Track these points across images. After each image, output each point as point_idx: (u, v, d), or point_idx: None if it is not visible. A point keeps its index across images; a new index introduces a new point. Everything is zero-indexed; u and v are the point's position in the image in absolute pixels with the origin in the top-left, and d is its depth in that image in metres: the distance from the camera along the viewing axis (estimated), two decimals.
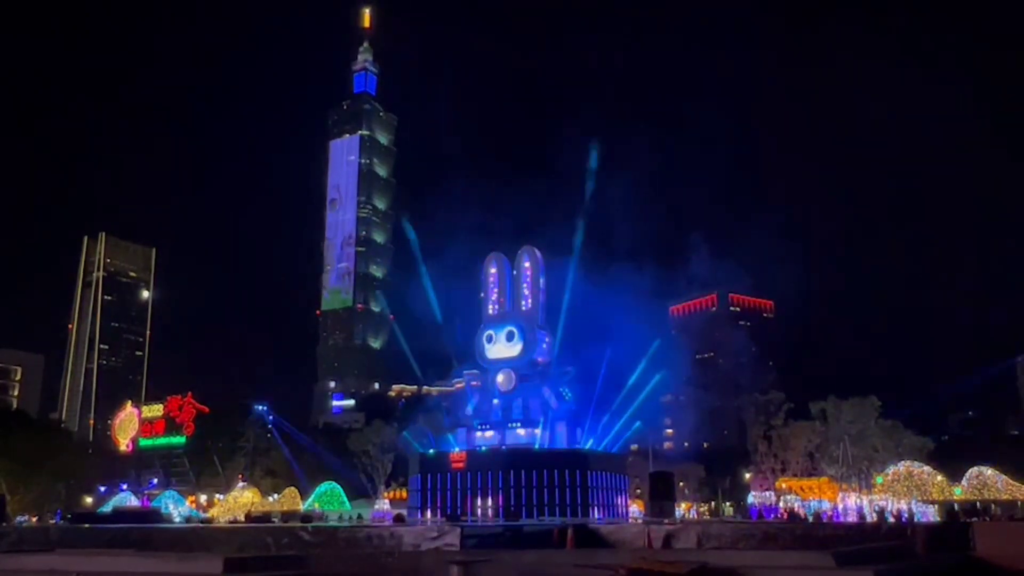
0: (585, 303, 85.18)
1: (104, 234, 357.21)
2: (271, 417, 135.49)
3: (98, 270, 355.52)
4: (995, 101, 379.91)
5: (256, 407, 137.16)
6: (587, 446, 79.15)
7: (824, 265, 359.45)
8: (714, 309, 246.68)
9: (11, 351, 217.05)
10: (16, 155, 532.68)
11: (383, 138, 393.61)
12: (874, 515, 75.76)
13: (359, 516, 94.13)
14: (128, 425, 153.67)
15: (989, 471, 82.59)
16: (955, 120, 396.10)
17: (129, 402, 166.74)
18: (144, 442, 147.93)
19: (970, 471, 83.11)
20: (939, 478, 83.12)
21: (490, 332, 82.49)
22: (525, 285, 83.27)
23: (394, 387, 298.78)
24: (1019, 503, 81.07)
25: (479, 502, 71.93)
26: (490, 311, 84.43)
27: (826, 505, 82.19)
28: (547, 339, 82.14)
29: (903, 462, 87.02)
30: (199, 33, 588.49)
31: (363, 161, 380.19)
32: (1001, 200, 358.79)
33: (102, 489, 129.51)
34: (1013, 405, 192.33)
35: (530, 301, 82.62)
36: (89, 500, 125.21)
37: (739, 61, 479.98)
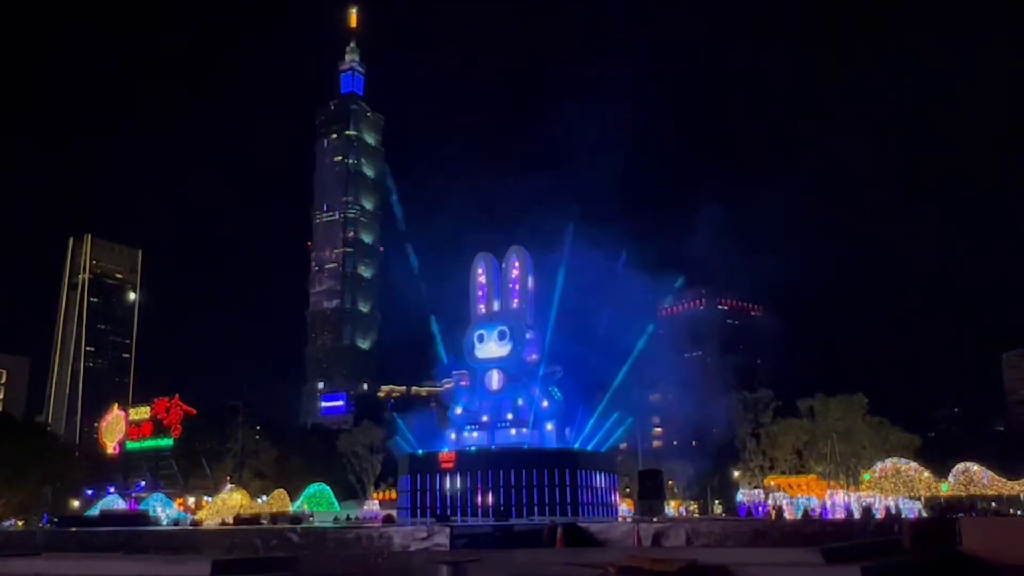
0: (574, 302, 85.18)
1: (90, 235, 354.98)
2: (240, 416, 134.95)
3: (84, 272, 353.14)
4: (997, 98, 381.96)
5: (229, 413, 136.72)
6: (576, 445, 79.22)
7: (811, 264, 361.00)
8: (702, 308, 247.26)
9: None
10: (0, 155, 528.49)
11: (370, 138, 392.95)
12: (861, 511, 76.12)
13: (348, 517, 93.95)
14: (115, 428, 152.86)
15: (975, 467, 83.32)
16: (954, 116, 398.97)
17: (116, 405, 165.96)
18: (131, 444, 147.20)
19: (957, 467, 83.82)
20: (926, 474, 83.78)
21: (479, 332, 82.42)
22: (514, 285, 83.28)
23: (383, 387, 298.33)
24: (1005, 498, 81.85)
25: (469, 502, 71.89)
26: (479, 311, 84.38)
27: (814, 502, 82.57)
28: (536, 339, 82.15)
29: (890, 459, 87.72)
30: (186, 33, 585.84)
31: (350, 161, 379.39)
32: (993, 199, 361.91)
33: (89, 492, 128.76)
34: (998, 401, 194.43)
35: (519, 301, 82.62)
36: (76, 503, 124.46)
37: (733, 60, 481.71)
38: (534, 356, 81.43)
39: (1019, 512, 76.02)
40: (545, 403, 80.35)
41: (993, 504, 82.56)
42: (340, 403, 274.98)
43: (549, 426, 79.96)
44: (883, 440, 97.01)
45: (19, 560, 22.07)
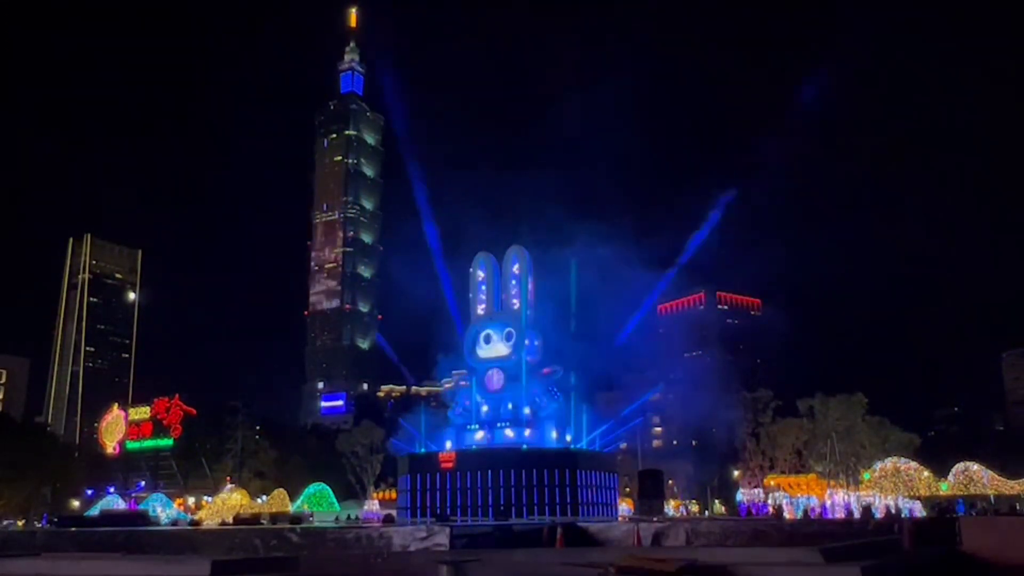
0: (574, 302, 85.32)
1: (89, 236, 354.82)
2: (240, 416, 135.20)
3: (83, 272, 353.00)
4: (993, 93, 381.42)
5: (229, 413, 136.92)
6: (576, 445, 79.23)
7: (810, 263, 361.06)
8: (702, 308, 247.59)
9: None
10: (0, 156, 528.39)
11: (370, 138, 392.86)
12: (861, 511, 76.11)
13: (349, 516, 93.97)
14: (115, 428, 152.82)
15: (975, 466, 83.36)
16: (951, 116, 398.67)
17: (116, 405, 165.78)
18: (131, 444, 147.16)
19: (956, 466, 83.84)
20: (925, 474, 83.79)
21: (485, 332, 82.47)
22: (513, 285, 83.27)
23: (383, 387, 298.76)
24: (1006, 497, 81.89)
25: (468, 502, 71.86)
26: (479, 311, 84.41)
27: (814, 502, 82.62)
28: (536, 339, 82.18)
29: (890, 458, 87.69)
30: (186, 32, 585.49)
31: (350, 161, 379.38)
32: (991, 199, 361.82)
33: (89, 492, 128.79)
34: (998, 401, 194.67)
35: (518, 301, 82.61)
36: (76, 503, 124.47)
37: (728, 60, 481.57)
38: (534, 355, 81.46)
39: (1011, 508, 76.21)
40: (543, 403, 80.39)
41: (992, 500, 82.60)
42: (340, 403, 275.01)
43: (549, 426, 79.97)
44: (883, 440, 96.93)
45: (19, 560, 22.04)
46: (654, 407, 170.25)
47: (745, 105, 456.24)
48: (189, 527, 73.19)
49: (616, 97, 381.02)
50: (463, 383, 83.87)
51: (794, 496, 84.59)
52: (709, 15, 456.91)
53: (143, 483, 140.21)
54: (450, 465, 73.57)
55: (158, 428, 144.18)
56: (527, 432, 78.12)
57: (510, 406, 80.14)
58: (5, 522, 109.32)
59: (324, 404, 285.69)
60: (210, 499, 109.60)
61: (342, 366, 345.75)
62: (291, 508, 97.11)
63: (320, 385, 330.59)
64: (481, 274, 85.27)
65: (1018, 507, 78.92)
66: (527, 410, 79.08)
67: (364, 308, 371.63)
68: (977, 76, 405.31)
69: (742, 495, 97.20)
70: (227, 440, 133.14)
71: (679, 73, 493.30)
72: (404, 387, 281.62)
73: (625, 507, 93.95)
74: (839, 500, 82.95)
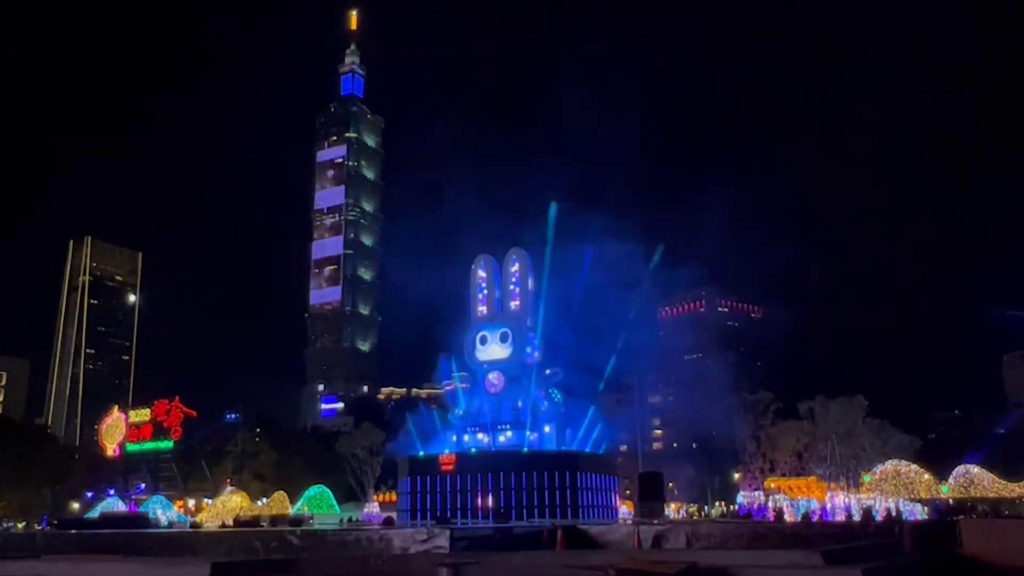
0: (574, 303, 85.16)
1: (90, 238, 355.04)
2: (240, 418, 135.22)
3: (84, 274, 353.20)
4: (996, 97, 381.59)
5: (229, 415, 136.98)
6: (576, 447, 79.11)
7: (811, 266, 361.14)
8: (703, 310, 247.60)
9: None
10: (0, 158, 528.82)
11: (370, 140, 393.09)
12: (861, 513, 76.00)
13: (351, 519, 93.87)
14: (115, 430, 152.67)
15: (976, 469, 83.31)
16: (950, 118, 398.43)
17: (116, 407, 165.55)
18: (131, 447, 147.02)
19: (957, 469, 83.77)
20: (926, 476, 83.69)
21: (481, 334, 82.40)
22: (513, 287, 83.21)
23: (383, 389, 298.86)
24: (1005, 500, 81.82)
25: (469, 504, 71.79)
26: (479, 313, 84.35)
27: (814, 504, 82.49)
28: (536, 340, 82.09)
29: (890, 461, 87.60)
30: (187, 34, 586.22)
31: (350, 163, 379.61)
32: (991, 200, 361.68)
33: (89, 494, 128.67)
34: (999, 403, 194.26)
35: (519, 303, 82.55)
36: (76, 505, 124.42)
37: (732, 60, 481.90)
38: (534, 357, 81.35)
39: (1008, 512, 76.07)
40: (544, 405, 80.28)
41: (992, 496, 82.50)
42: (340, 405, 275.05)
43: (549, 428, 79.86)
44: (883, 442, 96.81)
45: (19, 562, 22.05)
46: (655, 409, 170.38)
47: (751, 106, 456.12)
48: (189, 529, 73.19)
49: (619, 97, 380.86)
50: (463, 385, 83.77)
51: (794, 499, 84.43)
52: (717, 14, 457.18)
53: (143, 485, 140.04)
54: (450, 468, 73.50)
55: (158, 430, 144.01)
56: (527, 434, 78.03)
57: (511, 408, 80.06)
58: (5, 524, 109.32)
59: (324, 406, 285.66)
60: (210, 501, 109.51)
61: (342, 368, 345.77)
62: (291, 510, 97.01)
63: (320, 387, 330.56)
64: (481, 275, 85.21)
65: (1018, 502, 78.88)
66: (528, 412, 78.96)
67: (364, 310, 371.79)
68: (980, 79, 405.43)
69: (742, 498, 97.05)
70: (227, 442, 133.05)
71: (685, 75, 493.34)
72: (404, 389, 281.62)
73: (625, 509, 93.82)
74: (839, 503, 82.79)
